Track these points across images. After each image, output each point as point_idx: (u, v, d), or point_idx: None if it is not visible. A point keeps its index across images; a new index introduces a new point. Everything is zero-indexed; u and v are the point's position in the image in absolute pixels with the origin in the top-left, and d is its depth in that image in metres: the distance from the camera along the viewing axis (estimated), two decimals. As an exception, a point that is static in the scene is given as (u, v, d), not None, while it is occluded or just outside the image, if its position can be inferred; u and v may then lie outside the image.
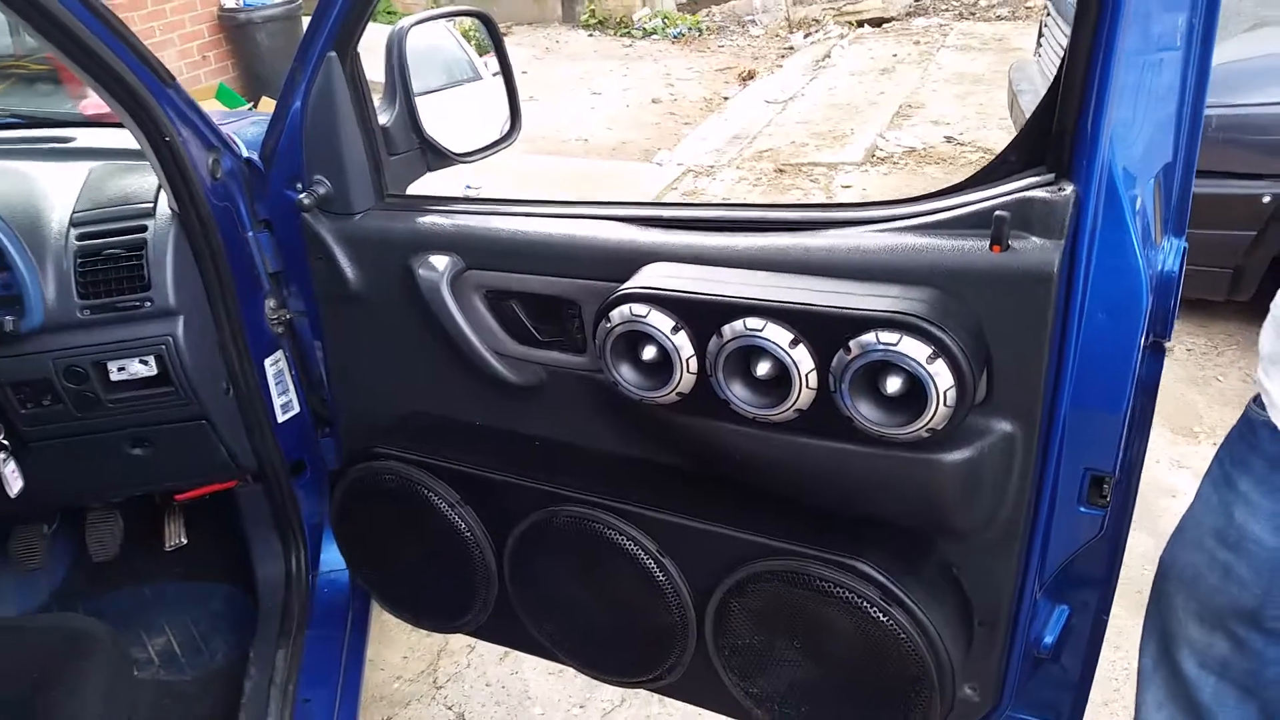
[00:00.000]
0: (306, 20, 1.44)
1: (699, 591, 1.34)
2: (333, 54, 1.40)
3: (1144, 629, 1.46)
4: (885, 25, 8.71)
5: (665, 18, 9.11)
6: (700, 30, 8.97)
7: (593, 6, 9.38)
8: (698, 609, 1.35)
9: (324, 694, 1.71)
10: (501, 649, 2.27)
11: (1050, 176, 1.03)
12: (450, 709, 2.16)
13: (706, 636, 1.36)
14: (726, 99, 6.97)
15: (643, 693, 2.10)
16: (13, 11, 1.23)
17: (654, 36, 8.88)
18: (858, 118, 6.18)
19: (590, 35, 9.12)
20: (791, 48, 8.31)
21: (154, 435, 1.64)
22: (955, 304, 1.07)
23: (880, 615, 1.20)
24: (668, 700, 2.07)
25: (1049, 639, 1.31)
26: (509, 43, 8.76)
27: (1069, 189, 1.01)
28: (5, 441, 1.54)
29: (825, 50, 7.98)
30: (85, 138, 1.76)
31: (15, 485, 1.54)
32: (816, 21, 8.97)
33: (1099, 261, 1.03)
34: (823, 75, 7.27)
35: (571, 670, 2.06)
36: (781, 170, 5.40)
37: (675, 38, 8.80)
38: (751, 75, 7.50)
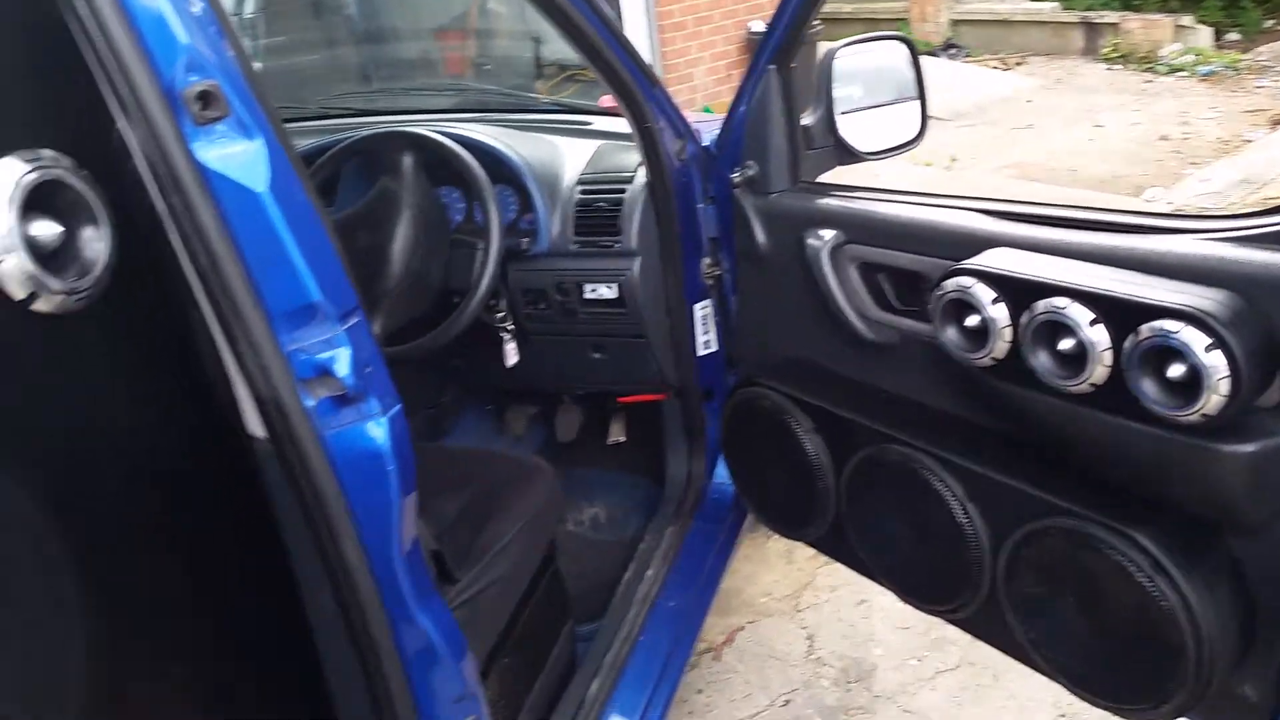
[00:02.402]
0: (822, 45, 1.85)
1: (994, 537, 1.55)
2: (772, 67, 1.81)
3: None
4: None
5: (1197, 54, 8.43)
6: (1236, 69, 8.18)
7: (1117, 40, 8.95)
8: (992, 553, 1.56)
9: (692, 571, 2.15)
10: (860, 596, 2.57)
11: None
12: (803, 629, 2.51)
13: (998, 578, 1.56)
14: (1248, 141, 6.37)
15: (976, 662, 2.29)
16: (567, 37, 1.79)
17: (1180, 74, 8.27)
18: None
19: (1109, 69, 8.73)
20: (1353, 89, 7.30)
21: (609, 345, 2.19)
22: (1248, 307, 1.19)
23: (1145, 582, 1.34)
24: (1000, 675, 2.24)
25: None
26: (1020, 71, 8.70)
27: None
28: (512, 328, 2.18)
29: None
30: (599, 123, 2.36)
31: (512, 359, 2.18)
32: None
33: None
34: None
35: (917, 628, 2.32)
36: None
37: (1205, 76, 8.12)
38: (1289, 118, 6.75)
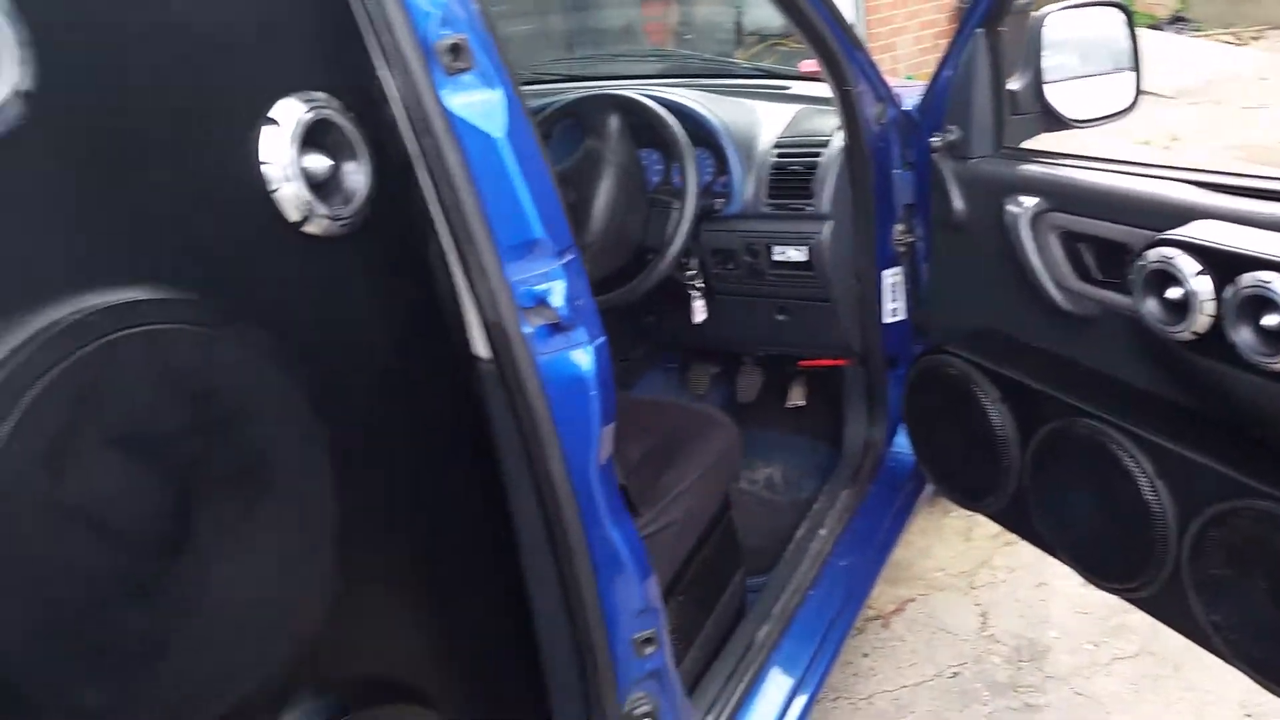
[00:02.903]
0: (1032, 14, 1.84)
1: (1182, 516, 1.51)
2: (980, 30, 1.80)
3: None
4: None
5: None
6: None
7: (1375, 10, 8.13)
8: (1179, 532, 1.52)
9: (866, 533, 2.19)
10: (1039, 579, 2.52)
11: None
12: (977, 606, 2.50)
13: (1182, 558, 1.53)
14: None
15: (1157, 652, 2.22)
16: (778, 6, 1.84)
17: None
18: None
19: (1363, 42, 7.96)
20: None
21: (794, 308, 2.23)
22: None
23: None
24: (1181, 666, 2.17)
25: None
26: (1256, 47, 8.04)
27: None
28: (701, 286, 2.26)
29: None
30: (797, 88, 2.40)
31: (700, 316, 2.26)
32: None
33: None
34: None
35: (1096, 613, 2.27)
36: None
37: None
38: None
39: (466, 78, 1.05)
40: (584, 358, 1.14)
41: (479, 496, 1.20)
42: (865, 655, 2.39)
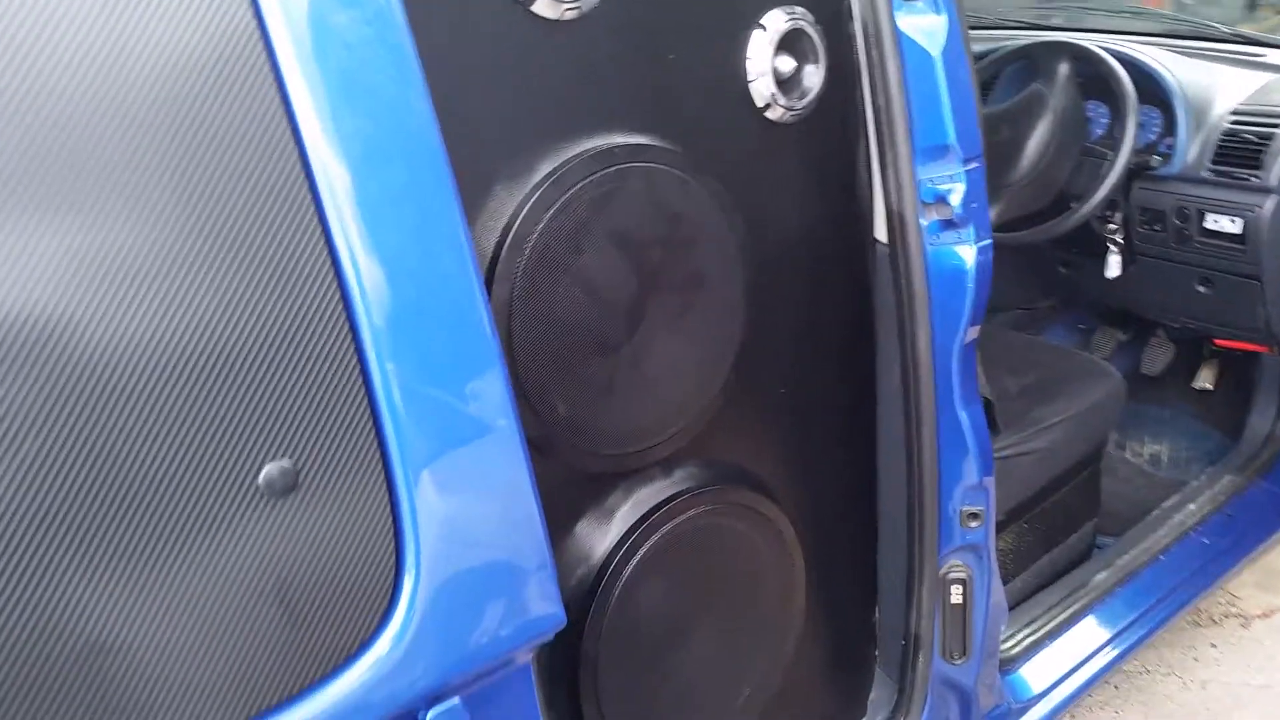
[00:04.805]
0: None
1: None
2: None
3: None
4: None
5: None
6: None
7: None
8: None
9: (1240, 521, 2.13)
10: None
11: None
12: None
13: None
14: None
15: None
16: None
17: None
18: None
19: None
20: None
21: (1217, 280, 2.18)
22: None
23: None
24: None
25: None
26: None
27: None
28: (1121, 241, 2.27)
29: None
30: (1272, 56, 2.27)
31: (1113, 271, 2.28)
32: None
33: None
34: None
35: None
36: None
37: None
38: None
39: (919, 4, 1.27)
40: (968, 253, 1.34)
41: (851, 354, 1.45)
42: (1213, 645, 2.33)
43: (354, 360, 0.83)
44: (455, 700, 0.85)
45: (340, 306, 0.83)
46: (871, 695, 1.62)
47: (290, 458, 0.78)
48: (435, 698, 0.85)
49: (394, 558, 0.82)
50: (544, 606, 0.92)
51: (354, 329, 0.83)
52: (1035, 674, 1.77)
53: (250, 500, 0.77)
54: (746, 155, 1.29)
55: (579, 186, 1.11)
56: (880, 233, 1.37)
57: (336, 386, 0.81)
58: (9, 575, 0.70)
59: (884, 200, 1.34)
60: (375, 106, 0.86)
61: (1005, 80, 2.41)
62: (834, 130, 1.35)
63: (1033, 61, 2.29)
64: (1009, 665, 1.75)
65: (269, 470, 0.77)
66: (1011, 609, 1.86)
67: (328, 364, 0.82)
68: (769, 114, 1.28)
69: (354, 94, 0.85)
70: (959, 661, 1.53)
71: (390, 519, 0.82)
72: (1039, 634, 1.83)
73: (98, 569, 0.73)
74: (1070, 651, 1.83)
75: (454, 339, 0.89)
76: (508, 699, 0.93)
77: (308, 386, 0.81)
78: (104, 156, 0.74)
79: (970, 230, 1.34)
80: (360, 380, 0.82)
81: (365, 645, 0.82)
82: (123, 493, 0.74)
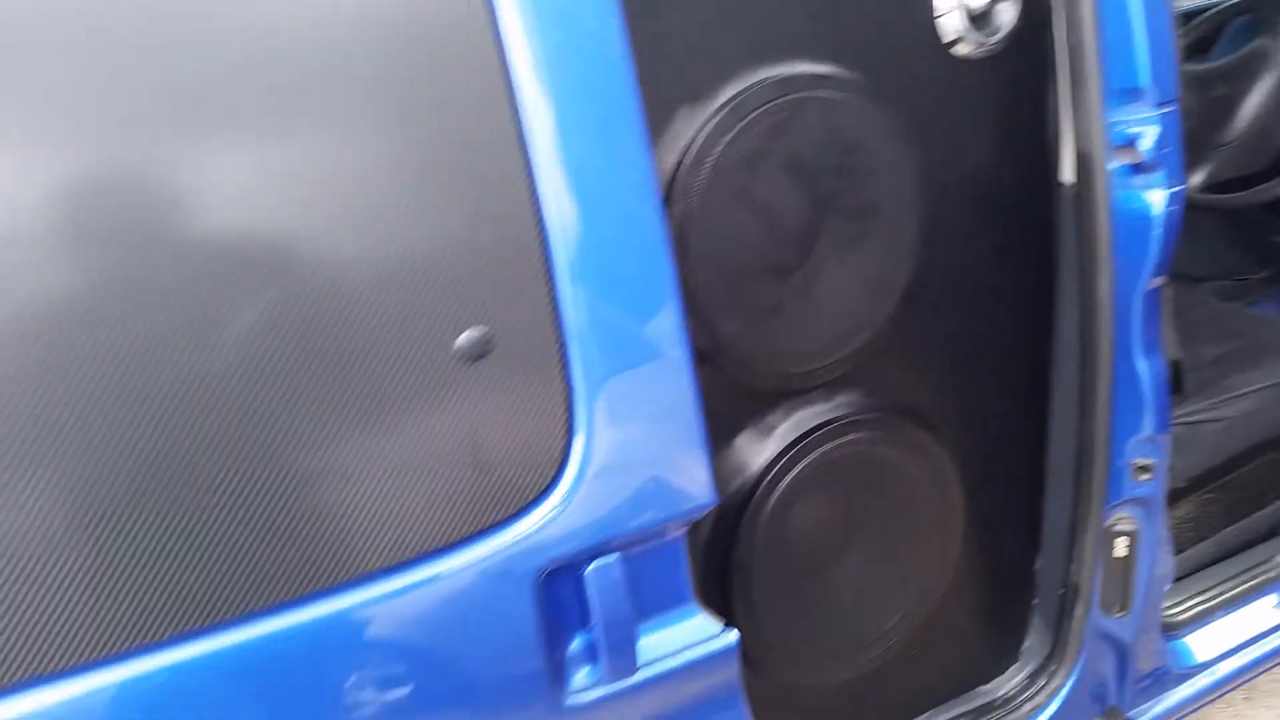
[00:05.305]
0: None
1: None
2: None
3: None
4: None
5: None
6: None
7: None
8: None
9: None
10: None
11: None
12: None
13: None
14: None
15: None
16: None
17: None
18: None
19: None
20: None
21: None
22: None
23: None
24: None
25: None
26: None
27: None
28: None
29: None
30: None
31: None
32: None
33: None
34: None
35: None
36: None
37: None
38: None
39: (1119, -59, 1.25)
40: (1157, 200, 1.31)
41: (1028, 296, 1.44)
42: None
43: (540, 250, 0.93)
44: (615, 556, 0.95)
45: (530, 205, 0.93)
46: (1026, 643, 1.63)
47: (486, 325, 0.89)
48: (597, 552, 0.96)
49: (566, 423, 0.93)
50: (697, 487, 1.00)
51: (541, 223, 0.93)
52: (1202, 643, 1.71)
53: (449, 363, 0.90)
54: (931, 90, 1.31)
55: (759, 111, 1.17)
56: (1067, 175, 1.36)
57: (525, 269, 0.92)
58: (269, 420, 0.85)
59: (1072, 142, 1.33)
60: (575, 32, 0.96)
61: (1229, 35, 2.27)
62: (1023, 69, 1.34)
63: (1259, 15, 2.15)
64: (1174, 630, 1.70)
65: (466, 336, 0.89)
66: (1186, 577, 1.80)
67: (520, 252, 0.93)
68: (957, 49, 1.29)
69: (556, 20, 0.94)
70: (1119, 616, 1.51)
71: (565, 389, 0.93)
72: (1211, 603, 1.77)
73: (333, 419, 0.88)
74: (1243, 626, 1.76)
75: (629, 233, 0.97)
76: (660, 570, 1.02)
77: (502, 270, 0.92)
78: (354, 84, 0.88)
79: (1161, 175, 1.31)
80: (545, 267, 0.93)
81: (540, 496, 0.93)
82: (352, 356, 0.88)
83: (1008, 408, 1.50)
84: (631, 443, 0.96)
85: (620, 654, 0.99)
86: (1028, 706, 1.57)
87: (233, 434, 0.84)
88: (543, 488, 0.93)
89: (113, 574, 0.81)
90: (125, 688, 0.84)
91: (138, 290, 0.83)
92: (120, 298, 0.82)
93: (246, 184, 0.85)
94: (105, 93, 0.82)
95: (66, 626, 0.80)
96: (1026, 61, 1.34)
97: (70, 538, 0.80)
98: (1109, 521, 1.48)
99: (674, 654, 1.04)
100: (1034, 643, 1.61)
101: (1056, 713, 1.56)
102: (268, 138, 0.86)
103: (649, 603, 1.02)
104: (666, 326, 0.98)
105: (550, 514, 0.93)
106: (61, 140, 0.81)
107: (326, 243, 0.87)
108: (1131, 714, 1.64)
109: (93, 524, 0.80)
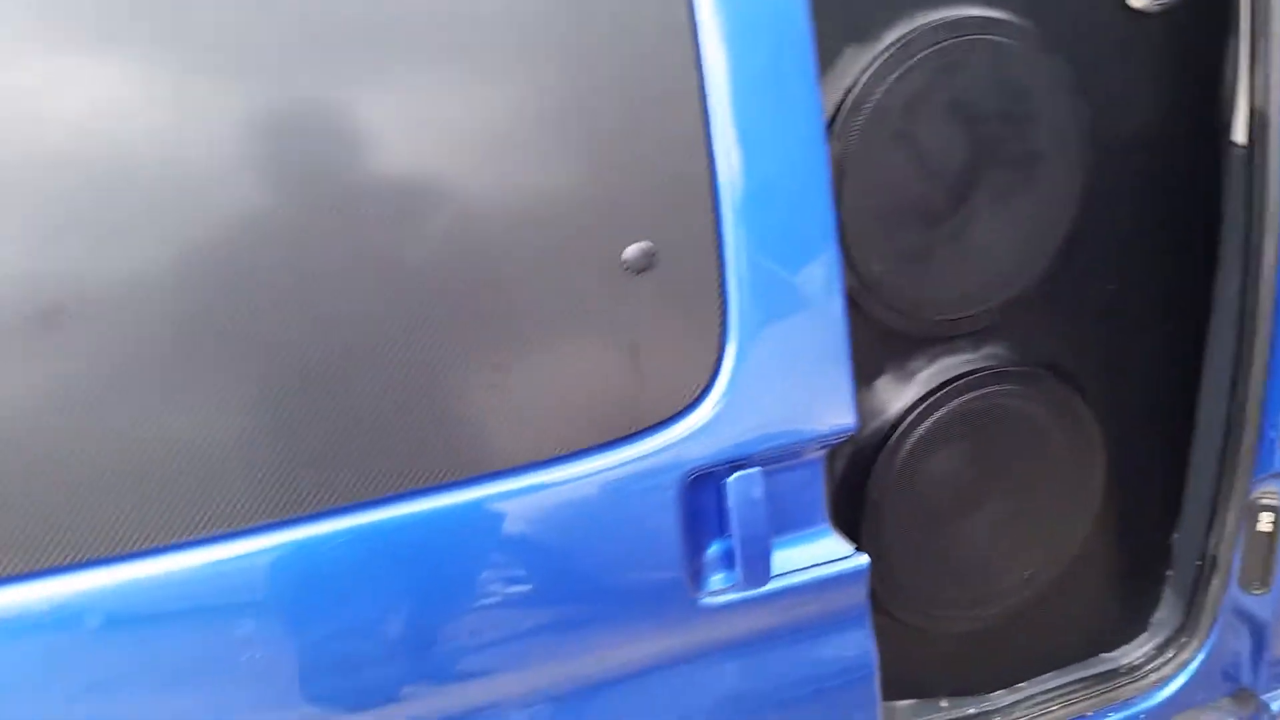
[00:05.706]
0: None
1: None
2: None
3: None
4: None
5: None
6: None
7: None
8: None
9: None
10: None
11: None
12: None
13: None
14: None
15: None
16: None
17: None
18: None
19: None
20: None
21: None
22: None
23: None
24: None
25: None
26: None
27: None
28: None
29: None
30: None
31: None
32: None
33: None
34: None
35: None
36: None
37: None
38: None
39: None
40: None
41: (1189, 259, 1.41)
42: None
43: (707, 175, 0.98)
44: (756, 470, 1.00)
45: (701, 132, 0.98)
46: (1157, 614, 1.60)
47: (650, 240, 0.95)
48: (740, 464, 1.01)
49: (720, 337, 0.98)
50: (839, 411, 1.04)
51: (709, 149, 0.98)
52: (1348, 630, 1.65)
53: (617, 274, 0.96)
54: (1103, 41, 1.30)
55: (925, 54, 1.19)
56: (1239, 135, 1.32)
57: (693, 192, 0.97)
58: (455, 326, 0.94)
59: (1248, 100, 1.29)
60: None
61: None
62: (1201, 24, 1.31)
63: None
64: (1319, 615, 1.64)
65: (634, 248, 0.95)
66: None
67: (689, 177, 0.98)
68: (1133, 2, 1.27)
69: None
70: (1258, 593, 1.47)
71: (720, 306, 0.98)
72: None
73: (518, 315, 0.96)
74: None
75: (791, 163, 1.01)
76: (798, 488, 1.07)
77: (672, 191, 0.98)
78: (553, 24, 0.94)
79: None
80: (710, 190, 0.98)
81: (691, 405, 0.98)
82: (541, 258, 0.95)
83: (1157, 371, 1.48)
84: (780, 362, 1.00)
85: (756, 562, 1.04)
86: (1153, 677, 1.55)
87: (430, 321, 0.93)
88: (694, 397, 0.98)
89: (324, 430, 0.91)
90: (338, 536, 0.94)
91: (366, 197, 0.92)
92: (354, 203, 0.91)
93: (462, 114, 0.94)
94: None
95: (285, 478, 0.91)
96: (1204, 16, 1.31)
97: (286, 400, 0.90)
98: (1255, 494, 1.44)
99: (807, 569, 1.08)
100: (1165, 614, 1.59)
101: (1183, 686, 1.54)
102: (489, 77, 0.94)
103: (785, 518, 1.06)
104: (821, 254, 1.02)
105: (700, 422, 0.98)
106: (265, 77, 0.89)
107: (532, 163, 0.96)
108: (1265, 698, 1.60)
109: (301, 389, 0.90)
